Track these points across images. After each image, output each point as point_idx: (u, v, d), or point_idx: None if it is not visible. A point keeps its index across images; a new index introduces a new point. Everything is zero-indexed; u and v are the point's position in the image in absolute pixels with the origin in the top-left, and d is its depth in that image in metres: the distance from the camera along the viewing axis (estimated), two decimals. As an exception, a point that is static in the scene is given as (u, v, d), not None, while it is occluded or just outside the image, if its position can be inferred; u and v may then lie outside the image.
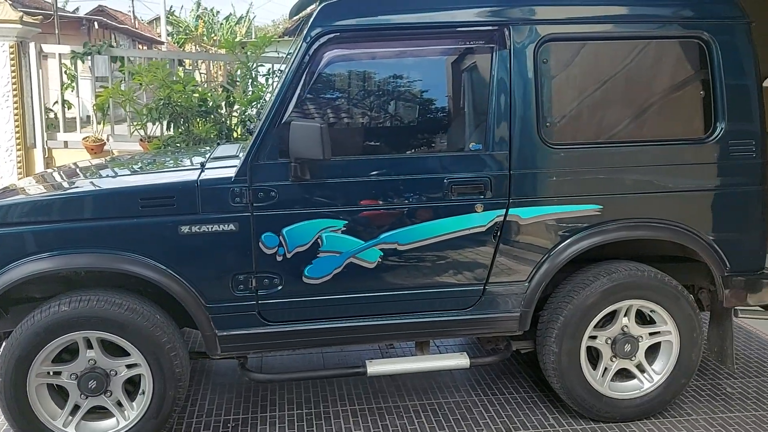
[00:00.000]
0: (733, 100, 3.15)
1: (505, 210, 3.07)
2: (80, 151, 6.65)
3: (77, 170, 3.65)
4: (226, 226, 2.93)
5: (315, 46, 2.91)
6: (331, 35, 2.92)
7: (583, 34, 3.09)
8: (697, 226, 3.20)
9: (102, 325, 2.88)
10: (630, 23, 3.12)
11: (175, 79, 6.29)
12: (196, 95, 6.15)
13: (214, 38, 29.46)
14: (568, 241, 3.13)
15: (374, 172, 2.99)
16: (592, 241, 3.13)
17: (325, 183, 2.96)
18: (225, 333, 3.01)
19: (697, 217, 3.20)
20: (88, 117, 7.23)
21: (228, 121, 6.42)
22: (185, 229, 2.91)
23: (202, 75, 8.40)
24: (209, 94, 6.30)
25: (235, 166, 3.06)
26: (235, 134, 6.34)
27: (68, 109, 6.98)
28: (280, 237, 2.96)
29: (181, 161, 3.82)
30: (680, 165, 3.17)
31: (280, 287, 3.01)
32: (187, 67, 11.85)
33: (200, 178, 2.96)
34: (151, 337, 2.91)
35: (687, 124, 3.21)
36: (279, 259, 2.98)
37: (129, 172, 3.59)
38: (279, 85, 2.97)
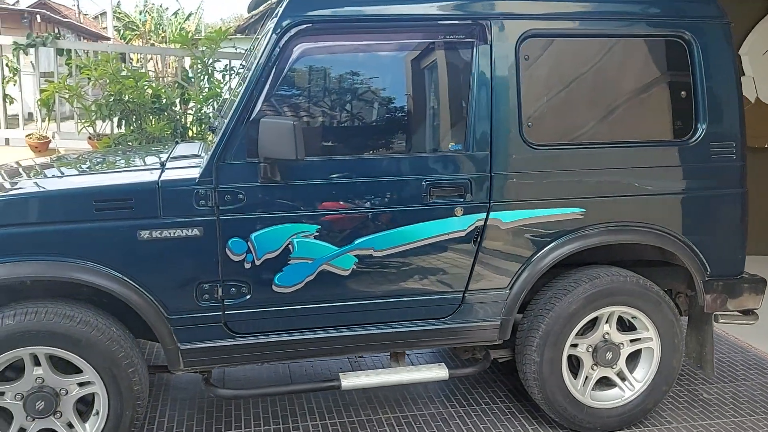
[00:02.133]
0: (713, 101, 3.09)
1: (485, 214, 2.94)
2: (23, 149, 6.26)
3: (20, 169, 3.36)
4: (190, 231, 2.71)
5: (285, 39, 2.72)
6: (303, 26, 2.74)
7: (566, 31, 2.98)
8: (679, 229, 3.13)
9: (51, 340, 2.62)
10: (614, 20, 3.02)
11: (125, 74, 5.97)
12: (150, 91, 5.84)
13: (162, 35, 28.70)
14: (550, 246, 3.02)
15: (349, 174, 2.82)
16: (574, 246, 3.02)
17: (297, 185, 2.77)
18: (188, 346, 2.79)
19: (678, 220, 3.13)
20: (30, 114, 6.81)
21: (182, 119, 6.13)
22: (145, 234, 2.67)
23: (149, 72, 8.05)
24: (163, 91, 6.00)
25: (198, 166, 2.86)
26: (190, 133, 6.06)
27: (10, 104, 6.56)
28: (249, 243, 2.76)
29: (137, 161, 3.55)
30: (662, 167, 3.09)
31: (248, 296, 2.81)
32: (134, 63, 11.40)
33: (161, 178, 2.73)
34: (106, 352, 2.66)
35: (669, 126, 3.13)
36: (247, 266, 2.78)
37: (77, 172, 3.32)
38: (246, 80, 2.76)
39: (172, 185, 2.71)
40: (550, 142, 2.99)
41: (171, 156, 3.24)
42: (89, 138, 6.12)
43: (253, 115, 2.71)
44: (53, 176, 3.22)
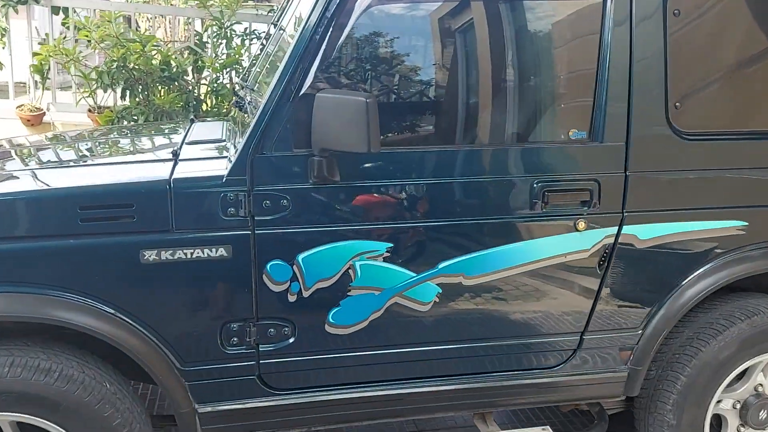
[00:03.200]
0: None
1: (617, 227, 2.15)
2: (14, 122, 5.47)
3: (12, 152, 2.58)
4: (214, 250, 1.93)
5: (347, -14, 1.92)
6: (370, -32, 1.93)
7: (732, -24, 2.16)
8: None
9: (19, 404, 1.86)
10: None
11: (132, 37, 5.17)
12: (159, 57, 5.03)
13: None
14: (702, 271, 2.23)
15: (435, 172, 2.03)
16: (733, 272, 2.24)
17: (364, 187, 1.99)
18: (209, 409, 2.03)
19: None
20: (25, 83, 6.02)
21: (196, 90, 5.34)
22: (150, 255, 1.90)
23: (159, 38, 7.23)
24: (174, 57, 5.20)
25: (225, 157, 2.08)
26: (204, 106, 5.27)
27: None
28: (294, 267, 1.98)
29: (142, 144, 2.75)
30: None
31: (291, 339, 2.04)
32: (143, 32, 10.54)
33: (174, 175, 1.95)
34: (96, 418, 1.91)
35: None
36: (291, 298, 2.01)
37: (76, 158, 2.52)
38: (294, 42, 1.96)
39: (189, 185, 1.93)
40: (705, 130, 2.18)
41: (186, 140, 2.44)
42: (89, 111, 5.33)
43: (304, 88, 1.92)
44: (34, 166, 2.43)
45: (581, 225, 2.12)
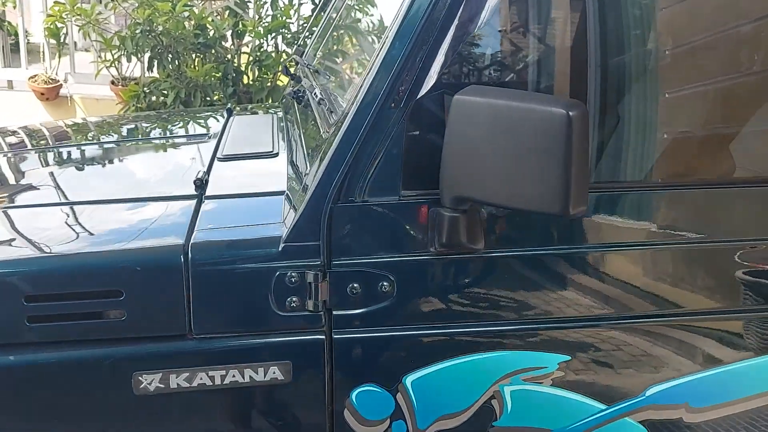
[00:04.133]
0: None
1: None
2: (28, 95, 4.74)
3: (29, 148, 1.80)
4: (263, 371, 1.12)
5: None
6: None
7: None
8: None
9: None
10: None
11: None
12: (192, 20, 4.24)
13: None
14: None
15: (651, 231, 1.16)
16: None
17: (527, 259, 1.13)
18: None
19: None
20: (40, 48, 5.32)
21: (235, 60, 4.53)
22: (151, 380, 1.08)
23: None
24: (209, 20, 4.39)
25: (280, 192, 1.23)
26: (245, 79, 4.47)
27: (11, 35, 5.04)
28: (399, 395, 1.15)
29: (155, 158, 1.87)
30: None
31: None
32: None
33: (194, 236, 1.11)
34: None
35: None
36: (393, 448, 1.18)
37: (38, 187, 1.59)
38: (406, 6, 1.08)
39: (219, 256, 1.09)
40: None
41: (218, 153, 1.57)
42: (112, 83, 4.57)
43: (426, 87, 1.05)
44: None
45: None
